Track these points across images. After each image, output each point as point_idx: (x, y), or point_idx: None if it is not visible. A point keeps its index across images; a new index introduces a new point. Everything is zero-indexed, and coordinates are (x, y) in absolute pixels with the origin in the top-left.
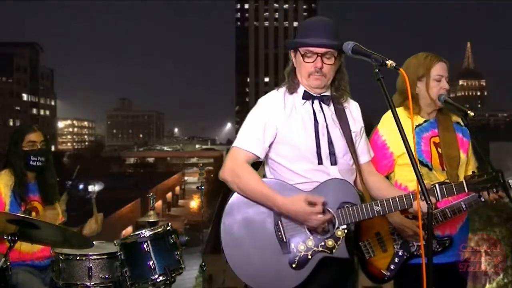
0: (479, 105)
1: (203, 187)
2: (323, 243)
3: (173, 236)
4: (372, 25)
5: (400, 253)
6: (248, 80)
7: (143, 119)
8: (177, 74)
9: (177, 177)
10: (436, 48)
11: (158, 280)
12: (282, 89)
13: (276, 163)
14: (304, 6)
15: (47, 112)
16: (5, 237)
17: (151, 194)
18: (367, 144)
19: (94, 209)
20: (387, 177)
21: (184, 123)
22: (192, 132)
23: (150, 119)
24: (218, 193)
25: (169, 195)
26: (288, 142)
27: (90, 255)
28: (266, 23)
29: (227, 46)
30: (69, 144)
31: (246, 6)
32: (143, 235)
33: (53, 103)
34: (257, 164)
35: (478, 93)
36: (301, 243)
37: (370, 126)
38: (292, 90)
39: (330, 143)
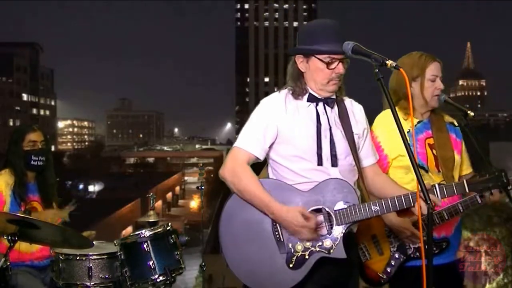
0: (479, 105)
1: (203, 187)
2: (320, 243)
3: (173, 236)
4: (372, 25)
5: (396, 256)
6: (248, 80)
7: (143, 119)
8: (177, 74)
9: (177, 177)
10: (436, 48)
11: (158, 280)
12: (284, 91)
13: (277, 163)
14: (304, 6)
15: (47, 112)
16: (5, 237)
17: (151, 194)
18: (372, 146)
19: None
20: None
21: (184, 123)
22: (192, 132)
23: (150, 119)
24: (218, 193)
25: (169, 195)
26: (289, 142)
27: (90, 255)
28: (266, 23)
29: (227, 46)
30: (69, 144)
31: (246, 6)
32: (143, 235)
33: (53, 103)
34: (261, 165)
35: (478, 93)
36: (299, 243)
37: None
38: (298, 95)
39: (332, 145)
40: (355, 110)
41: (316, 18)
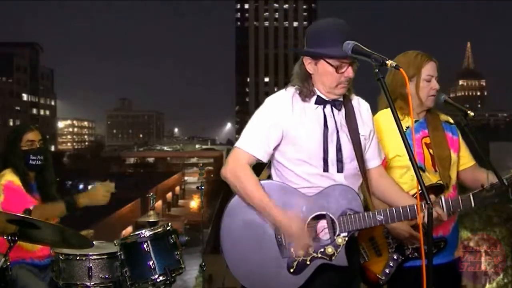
0: (479, 105)
1: (203, 187)
2: (322, 250)
3: (173, 236)
4: (372, 25)
5: (394, 257)
6: (248, 80)
7: (143, 119)
8: (177, 74)
9: (177, 177)
10: (436, 48)
11: (158, 280)
12: (292, 90)
13: (281, 165)
14: (304, 6)
15: (47, 112)
16: (5, 237)
17: (151, 194)
18: (377, 147)
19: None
20: None
21: (184, 123)
22: (192, 132)
23: (150, 119)
24: (218, 193)
25: (169, 195)
26: (295, 145)
27: (90, 255)
28: (266, 23)
29: (227, 46)
30: (69, 144)
31: (246, 6)
32: (143, 235)
33: (53, 103)
34: (262, 165)
35: (478, 93)
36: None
37: None
38: (305, 96)
39: (339, 149)
40: (362, 109)
41: (316, 18)
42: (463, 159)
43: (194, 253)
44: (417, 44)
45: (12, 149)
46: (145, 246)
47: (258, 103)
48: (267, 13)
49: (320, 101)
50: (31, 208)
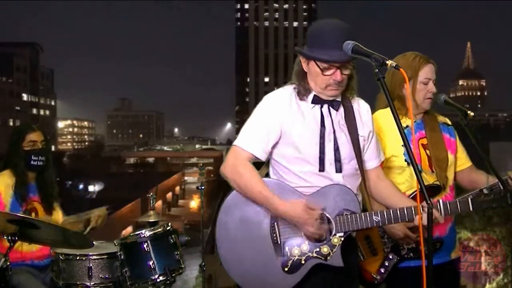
0: (479, 105)
1: (203, 187)
2: (318, 249)
3: (173, 236)
4: (372, 25)
5: (390, 257)
6: (248, 80)
7: (143, 119)
8: (177, 74)
9: (177, 177)
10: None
11: (158, 280)
12: (290, 89)
13: (279, 164)
14: (304, 6)
15: (47, 112)
16: (5, 237)
17: (151, 194)
18: (376, 148)
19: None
20: None
21: (184, 123)
22: (192, 132)
23: (150, 119)
24: (218, 193)
25: (169, 195)
26: (291, 144)
27: (90, 255)
28: (266, 23)
29: (227, 46)
30: (69, 144)
31: (246, 6)
32: (143, 235)
33: (53, 103)
34: (260, 163)
35: (478, 93)
36: (296, 247)
37: None
38: (302, 95)
39: (336, 149)
40: (362, 110)
41: (316, 18)
42: (460, 160)
43: (194, 253)
44: (417, 44)
45: (14, 149)
46: (145, 246)
47: (258, 103)
48: (267, 13)
49: (317, 101)
50: None
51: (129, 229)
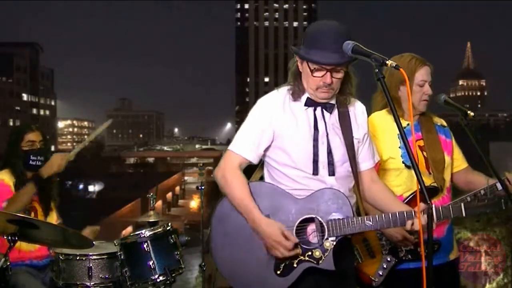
0: (479, 105)
1: (203, 187)
2: (310, 253)
3: (173, 236)
4: (372, 25)
5: (388, 259)
6: (248, 80)
7: (143, 119)
8: (177, 74)
9: (177, 177)
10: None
11: (158, 280)
12: (284, 91)
13: (272, 167)
14: (304, 6)
15: (47, 112)
16: (5, 237)
17: (151, 194)
18: (370, 150)
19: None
20: None
21: (184, 123)
22: (192, 132)
23: (150, 119)
24: (218, 193)
25: (169, 195)
26: (285, 149)
27: (90, 255)
28: (266, 23)
29: (227, 46)
30: (69, 144)
31: (246, 6)
32: (143, 235)
33: (53, 103)
34: (254, 167)
35: (478, 93)
36: None
37: None
38: (296, 97)
39: (329, 152)
40: (357, 112)
41: (316, 18)
42: (456, 161)
43: (194, 253)
44: (417, 44)
45: (12, 149)
46: (145, 246)
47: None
48: (267, 13)
49: (310, 103)
50: (3, 205)
51: (129, 229)
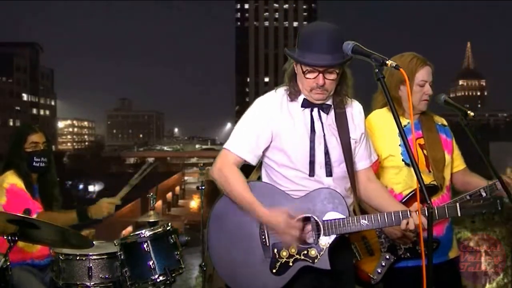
0: (479, 105)
1: (203, 187)
2: (305, 252)
3: (173, 236)
4: (372, 25)
5: (387, 257)
6: (248, 80)
7: (143, 119)
8: (177, 74)
9: (177, 177)
10: (436, 48)
11: (158, 280)
12: (281, 91)
13: (271, 167)
14: (304, 6)
15: (47, 112)
16: (5, 237)
17: (151, 194)
18: (367, 149)
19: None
20: None
21: (184, 123)
22: (192, 132)
23: (150, 119)
24: (218, 193)
25: (169, 195)
26: (282, 149)
27: (90, 255)
28: (266, 23)
29: (227, 46)
30: (69, 144)
31: (246, 6)
32: (143, 235)
33: (53, 103)
34: (251, 167)
35: (478, 93)
36: (284, 249)
37: None
38: (292, 97)
39: (326, 153)
40: (355, 112)
41: (316, 18)
42: (455, 161)
43: (194, 253)
44: (417, 44)
45: (15, 150)
46: (145, 246)
47: None
48: (267, 13)
49: (307, 104)
50: (38, 212)
51: (129, 229)
